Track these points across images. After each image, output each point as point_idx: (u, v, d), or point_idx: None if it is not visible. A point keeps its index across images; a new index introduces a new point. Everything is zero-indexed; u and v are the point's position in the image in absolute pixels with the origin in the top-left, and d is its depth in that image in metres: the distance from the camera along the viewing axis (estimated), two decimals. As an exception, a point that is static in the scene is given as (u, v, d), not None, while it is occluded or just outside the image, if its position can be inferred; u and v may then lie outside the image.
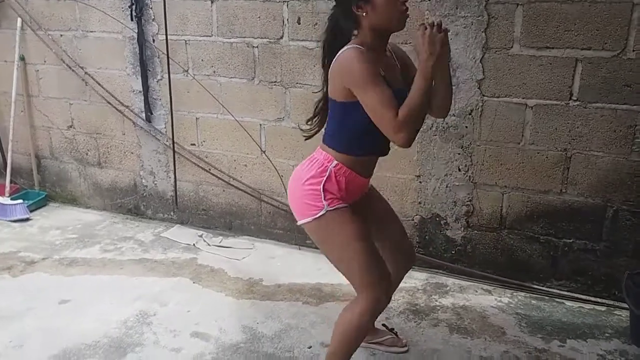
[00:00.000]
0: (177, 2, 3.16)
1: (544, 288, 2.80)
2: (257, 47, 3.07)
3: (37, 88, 3.79)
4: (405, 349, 2.32)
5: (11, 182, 3.84)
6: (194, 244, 3.33)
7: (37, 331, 2.44)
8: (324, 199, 1.85)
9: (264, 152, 3.24)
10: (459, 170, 2.82)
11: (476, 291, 2.81)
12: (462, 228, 2.89)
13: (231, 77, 3.19)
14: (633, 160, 2.51)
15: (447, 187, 2.86)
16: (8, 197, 3.73)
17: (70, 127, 3.78)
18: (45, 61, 3.69)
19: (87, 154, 3.80)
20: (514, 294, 2.78)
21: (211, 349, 2.33)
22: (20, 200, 3.70)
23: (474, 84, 2.67)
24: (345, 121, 1.85)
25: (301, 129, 2.14)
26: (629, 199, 2.56)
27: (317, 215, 1.85)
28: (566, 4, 2.43)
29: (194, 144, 3.43)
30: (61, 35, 3.58)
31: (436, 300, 2.72)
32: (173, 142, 3.41)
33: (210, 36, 3.17)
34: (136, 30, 3.29)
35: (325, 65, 1.88)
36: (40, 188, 4.00)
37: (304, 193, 1.88)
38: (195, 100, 3.32)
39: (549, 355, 2.30)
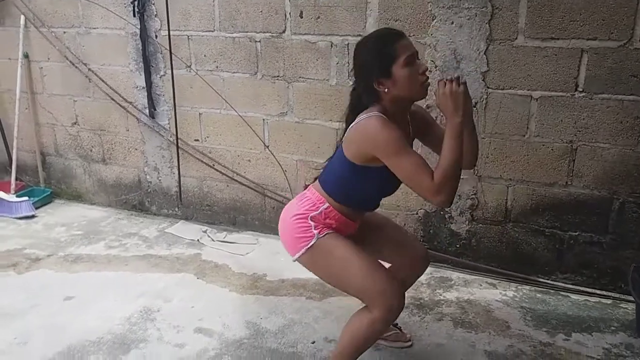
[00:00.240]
0: (178, -2, 3.16)
1: (549, 281, 2.77)
2: (259, 41, 3.06)
3: (41, 85, 3.80)
4: (409, 343, 2.31)
5: (16, 179, 3.85)
6: (198, 240, 3.33)
7: (41, 328, 2.44)
8: (314, 229, 1.87)
9: (267, 147, 3.24)
10: (463, 163, 2.79)
11: (481, 285, 2.79)
12: (467, 221, 2.87)
13: (234, 72, 3.18)
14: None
15: (451, 180, 2.84)
16: (13, 194, 3.75)
17: (75, 123, 3.79)
18: (48, 58, 3.70)
19: (91, 150, 3.81)
20: (519, 287, 2.76)
21: (215, 345, 2.33)
22: (26, 198, 3.72)
23: (478, 76, 2.64)
24: (354, 179, 1.85)
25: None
26: (635, 191, 2.53)
27: (309, 245, 1.86)
28: (571, -6, 2.40)
29: (197, 140, 3.43)
30: (64, 32, 3.58)
31: (440, 295, 2.70)
32: (177, 138, 3.41)
33: (212, 31, 3.16)
34: (139, 26, 3.29)
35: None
36: (45, 185, 4.02)
37: (293, 227, 1.90)
38: (198, 95, 3.32)
39: (554, 349, 2.28)
